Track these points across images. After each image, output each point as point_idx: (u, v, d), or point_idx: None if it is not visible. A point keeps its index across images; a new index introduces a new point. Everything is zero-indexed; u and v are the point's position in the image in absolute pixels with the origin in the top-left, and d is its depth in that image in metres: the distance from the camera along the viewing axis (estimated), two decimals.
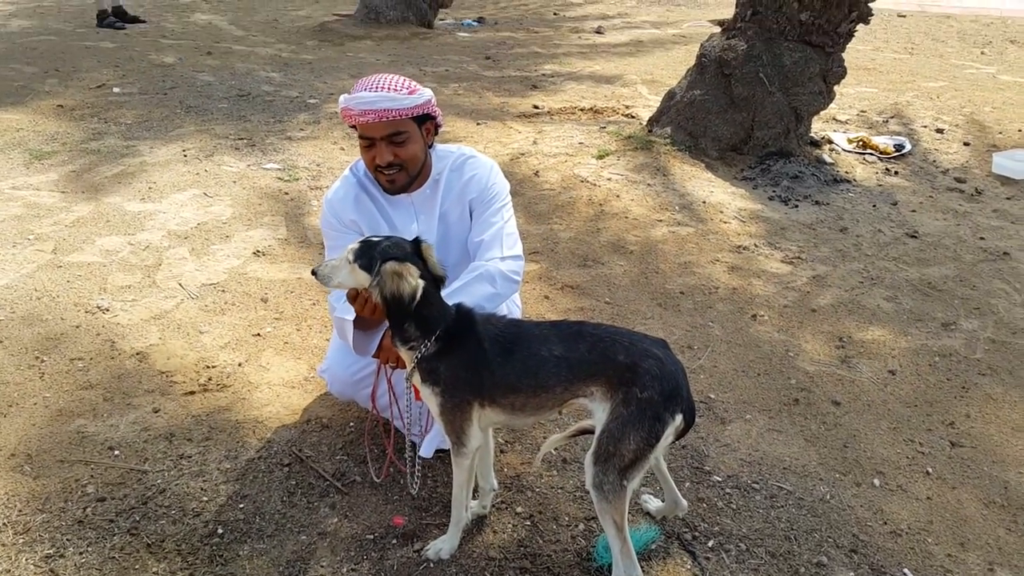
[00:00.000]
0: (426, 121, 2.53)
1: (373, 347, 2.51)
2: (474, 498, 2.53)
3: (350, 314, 2.42)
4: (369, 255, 2.12)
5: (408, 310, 2.10)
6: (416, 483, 2.59)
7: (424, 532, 2.48)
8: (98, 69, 7.58)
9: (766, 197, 5.32)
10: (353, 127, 2.47)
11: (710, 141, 5.88)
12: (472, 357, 2.17)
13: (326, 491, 2.64)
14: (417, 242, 2.20)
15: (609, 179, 5.35)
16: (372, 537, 2.45)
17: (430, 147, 2.62)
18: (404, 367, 2.39)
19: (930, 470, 2.91)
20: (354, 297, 2.25)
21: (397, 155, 2.47)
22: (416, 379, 2.24)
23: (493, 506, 2.58)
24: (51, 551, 2.31)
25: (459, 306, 2.24)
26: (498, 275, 2.49)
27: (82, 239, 4.27)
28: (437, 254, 2.64)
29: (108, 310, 3.63)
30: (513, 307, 2.77)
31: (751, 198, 5.28)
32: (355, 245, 2.16)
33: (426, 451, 2.70)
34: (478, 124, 6.53)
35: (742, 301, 4.02)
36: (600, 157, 5.69)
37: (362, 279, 2.13)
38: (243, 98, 6.90)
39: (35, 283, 3.80)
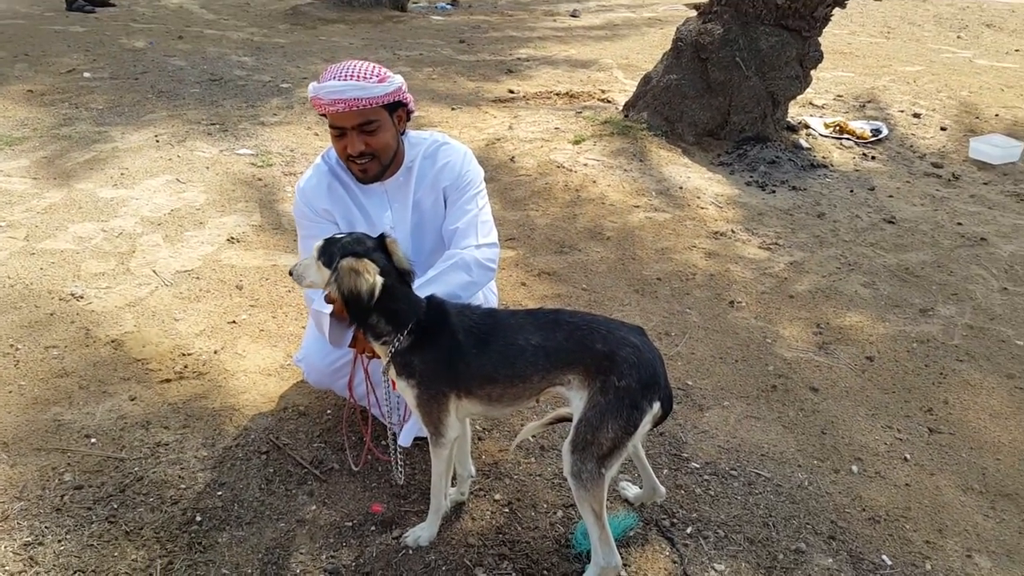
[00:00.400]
0: (398, 108, 2.49)
1: (347, 339, 2.49)
2: (452, 484, 2.53)
3: (328, 307, 2.41)
4: (330, 252, 2.12)
5: (366, 307, 2.08)
6: (401, 472, 2.59)
7: (403, 519, 2.48)
8: (68, 54, 7.43)
9: (743, 182, 5.34)
10: (324, 115, 2.44)
11: (687, 126, 5.89)
12: (446, 349, 2.16)
13: (304, 478, 2.63)
14: (382, 237, 2.18)
15: (585, 164, 5.34)
16: (351, 524, 2.45)
17: (402, 134, 2.59)
18: (379, 357, 2.38)
19: (908, 456, 2.94)
20: (330, 300, 2.25)
21: (369, 144, 2.44)
22: (392, 372, 2.23)
23: (471, 493, 2.59)
24: (30, 539, 2.30)
25: (431, 298, 2.23)
26: (473, 263, 2.47)
27: (55, 226, 4.20)
28: (412, 243, 2.64)
29: (82, 297, 3.57)
30: (489, 295, 2.76)
31: (728, 183, 5.29)
32: (319, 243, 2.15)
33: (404, 440, 2.69)
34: (453, 109, 6.49)
35: (719, 287, 4.04)
36: (576, 142, 5.68)
37: (326, 276, 2.11)
38: (215, 83, 6.80)
39: (8, 270, 3.74)
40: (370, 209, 2.61)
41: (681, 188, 5.13)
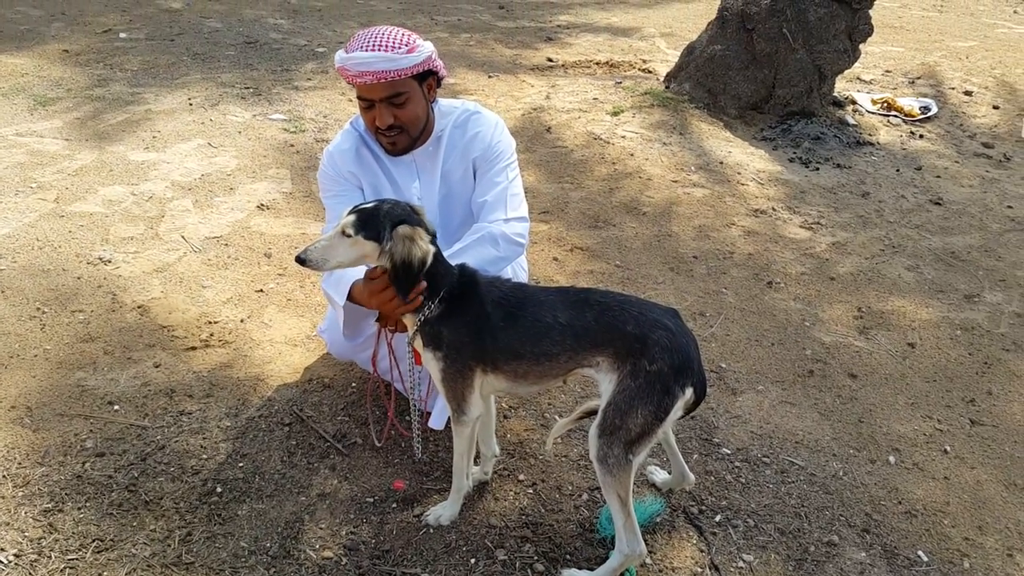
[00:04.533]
0: (428, 77, 2.39)
1: (366, 329, 2.43)
2: (476, 463, 2.48)
3: (341, 297, 2.33)
4: (374, 222, 2.00)
5: (416, 277, 2.02)
6: (420, 447, 2.54)
7: (424, 497, 2.44)
8: (104, 14, 7.42)
9: (786, 159, 5.17)
10: (351, 84, 2.35)
11: (730, 99, 5.71)
12: (475, 321, 2.09)
13: (326, 452, 2.59)
14: (408, 205, 2.11)
15: (624, 137, 5.20)
16: (372, 500, 2.42)
17: (433, 103, 2.49)
18: (404, 330, 2.32)
19: (948, 448, 2.83)
20: (372, 277, 2.16)
21: (397, 117, 2.35)
22: (418, 343, 2.17)
23: (495, 472, 2.53)
24: (50, 505, 2.29)
25: (462, 267, 2.15)
26: (501, 237, 2.39)
27: (85, 188, 4.19)
28: (440, 215, 2.57)
29: (110, 262, 3.56)
30: (519, 270, 2.67)
31: (771, 159, 5.13)
32: (351, 217, 2.03)
33: (437, 423, 2.62)
34: (490, 77, 6.37)
35: (758, 267, 3.92)
36: (615, 114, 5.54)
37: (368, 250, 2.02)
38: (250, 46, 6.75)
39: (37, 232, 3.73)
40: (398, 179, 2.54)
41: (722, 163, 4.97)
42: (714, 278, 3.80)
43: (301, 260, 2.02)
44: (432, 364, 2.16)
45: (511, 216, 2.45)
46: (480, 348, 2.10)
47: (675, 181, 4.72)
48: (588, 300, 2.11)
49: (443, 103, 2.55)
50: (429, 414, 2.61)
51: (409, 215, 2.04)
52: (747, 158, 5.09)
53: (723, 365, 3.17)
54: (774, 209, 4.50)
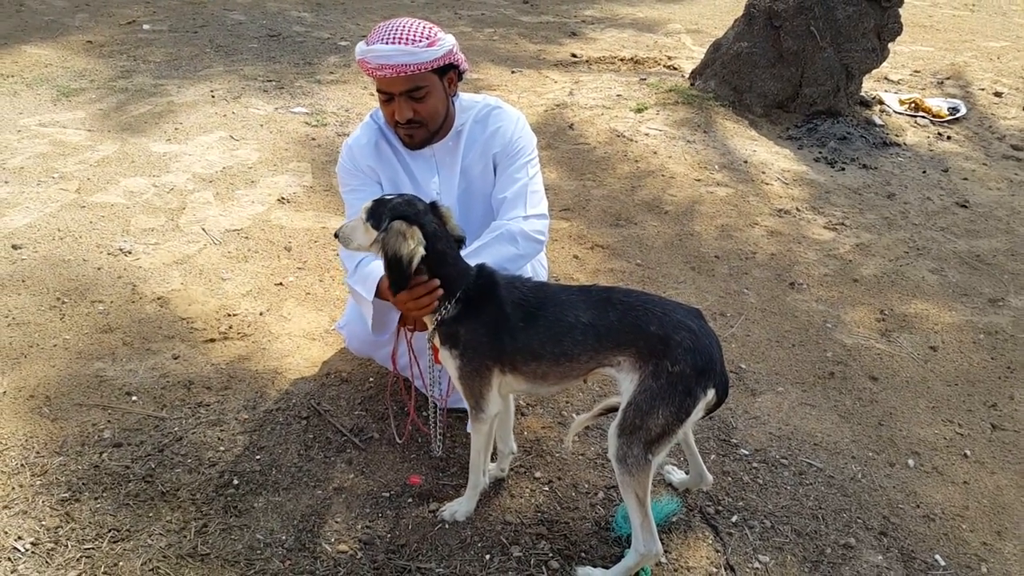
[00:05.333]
0: (448, 71, 2.37)
1: (392, 323, 2.42)
2: (493, 460, 2.47)
3: (369, 293, 2.33)
4: (379, 213, 2.04)
5: (406, 274, 2.01)
6: (440, 445, 2.54)
7: (440, 492, 2.43)
8: (128, 5, 7.48)
9: (811, 158, 5.10)
10: (371, 77, 2.33)
11: (755, 97, 5.65)
12: (493, 321, 2.08)
13: (343, 446, 2.59)
14: (434, 204, 2.11)
15: (647, 134, 5.16)
16: (388, 495, 2.41)
17: (453, 97, 2.47)
18: (423, 329, 2.31)
19: (968, 453, 2.78)
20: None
21: (417, 111, 2.33)
22: (436, 341, 2.16)
23: (511, 469, 2.52)
24: (67, 495, 2.30)
25: (481, 267, 2.14)
26: (520, 235, 2.37)
27: (106, 179, 4.22)
28: (459, 210, 2.54)
29: (130, 253, 3.59)
30: (539, 268, 2.65)
31: (796, 159, 5.07)
32: (369, 204, 2.07)
33: (456, 401, 2.61)
34: (513, 72, 6.34)
35: (781, 268, 3.87)
36: (639, 111, 5.50)
37: (374, 238, 2.05)
38: (273, 39, 6.77)
39: (58, 223, 3.77)
40: (417, 173, 2.52)
41: (746, 162, 4.92)
42: (736, 278, 3.75)
43: (336, 234, 2.15)
44: (449, 363, 2.15)
45: (531, 213, 2.43)
46: (498, 349, 2.09)
47: (698, 180, 4.67)
48: (611, 299, 2.08)
49: (464, 97, 2.53)
50: (450, 409, 2.61)
51: (416, 213, 2.03)
52: (772, 157, 5.04)
53: (743, 366, 3.13)
54: (798, 209, 4.45)
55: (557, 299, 2.11)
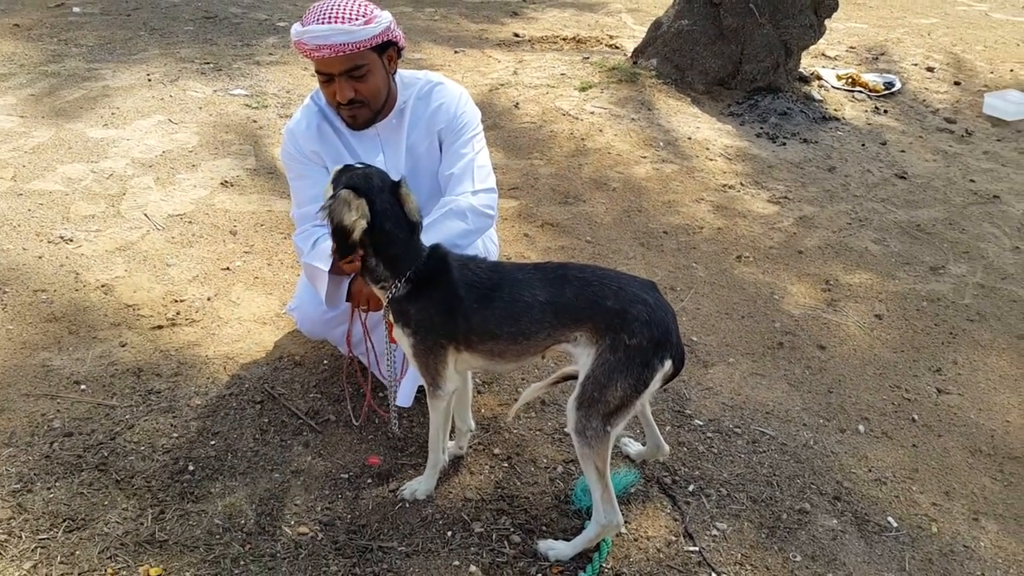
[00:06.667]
0: (388, 48, 2.34)
1: (342, 298, 2.41)
2: (451, 438, 2.48)
3: (325, 263, 2.30)
4: (338, 179, 2.06)
5: (350, 244, 2.01)
6: (396, 423, 2.53)
7: (400, 472, 2.43)
8: None
9: (753, 134, 5.20)
10: (309, 59, 2.29)
11: (697, 74, 5.72)
12: (445, 302, 2.09)
13: (299, 429, 2.57)
14: (398, 185, 2.10)
15: (592, 112, 5.19)
16: (347, 476, 2.41)
17: (393, 74, 2.44)
18: (376, 309, 2.30)
19: (916, 417, 2.89)
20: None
21: (358, 91, 2.30)
22: (390, 317, 2.16)
23: (470, 447, 2.53)
24: (18, 486, 2.26)
25: (434, 248, 2.14)
26: (469, 210, 2.37)
27: (43, 166, 4.06)
28: None
29: (71, 240, 3.47)
30: (490, 245, 2.65)
31: (738, 135, 5.15)
32: (338, 167, 2.11)
33: (404, 400, 2.61)
34: (456, 52, 6.29)
35: (727, 242, 3.95)
36: (583, 89, 5.52)
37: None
38: (209, 20, 6.58)
39: None
40: (362, 154, 2.48)
41: (689, 139, 4.99)
42: (684, 253, 3.82)
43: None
44: (403, 340, 2.16)
45: (479, 188, 2.43)
46: (452, 328, 2.10)
47: (644, 157, 4.72)
48: (566, 276, 2.11)
49: (405, 75, 2.51)
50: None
51: (370, 187, 2.04)
52: (715, 134, 5.12)
53: (694, 338, 3.19)
54: (742, 184, 4.54)
55: (513, 278, 2.12)
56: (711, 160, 4.77)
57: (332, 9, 2.19)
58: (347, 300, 2.43)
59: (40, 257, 3.34)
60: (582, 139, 4.86)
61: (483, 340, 2.11)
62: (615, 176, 4.48)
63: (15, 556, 2.05)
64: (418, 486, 2.34)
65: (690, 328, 3.25)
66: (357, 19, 2.19)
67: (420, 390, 2.65)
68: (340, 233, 2.00)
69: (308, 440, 2.53)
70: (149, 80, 5.20)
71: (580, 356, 2.06)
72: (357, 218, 1.99)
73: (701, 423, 2.74)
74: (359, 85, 2.29)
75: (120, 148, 4.31)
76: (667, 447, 2.48)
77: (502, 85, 5.56)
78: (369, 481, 2.40)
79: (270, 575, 2.07)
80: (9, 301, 3.06)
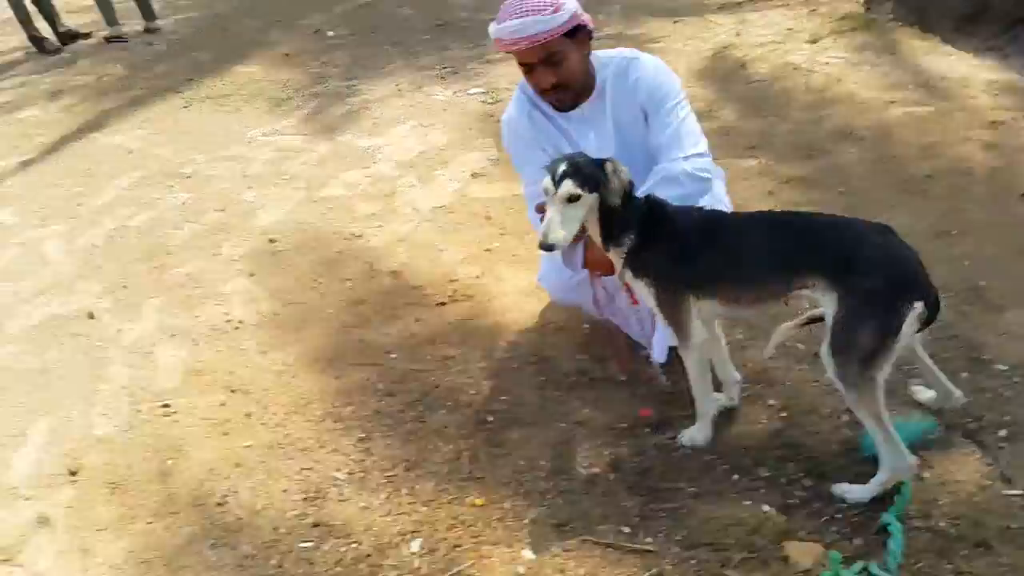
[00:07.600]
0: (578, 32, 2.47)
1: (579, 261, 2.55)
2: (719, 391, 2.53)
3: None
4: (580, 173, 2.11)
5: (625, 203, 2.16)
6: (663, 377, 2.65)
7: (673, 424, 2.53)
8: (309, 15, 8.00)
9: (1021, 66, 4.68)
10: (509, 53, 2.48)
11: (940, 14, 5.24)
12: (674, 245, 2.19)
13: (572, 386, 2.78)
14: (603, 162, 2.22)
15: (827, 63, 4.97)
16: (624, 426, 2.56)
17: (588, 55, 2.57)
18: (610, 273, 2.42)
19: None
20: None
21: (558, 76, 2.46)
22: (628, 276, 2.28)
23: (742, 398, 2.57)
24: (362, 435, 2.68)
25: (649, 197, 2.26)
26: (683, 175, 2.43)
27: (328, 175, 4.66)
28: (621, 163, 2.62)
29: (361, 236, 3.97)
30: (720, 207, 2.68)
31: (1002, 68, 4.67)
32: (567, 183, 2.08)
33: (659, 355, 2.71)
34: (675, 22, 6.27)
35: (1006, 180, 3.61)
36: (813, 42, 5.29)
37: (591, 201, 2.15)
38: (441, 27, 7.08)
39: (298, 217, 4.23)
40: (574, 134, 2.64)
41: (944, 78, 4.61)
42: (954, 196, 3.55)
43: (549, 247, 2.10)
44: (644, 293, 2.27)
45: (689, 152, 2.48)
46: (684, 272, 2.19)
47: (892, 101, 4.44)
48: (790, 223, 2.14)
49: (600, 54, 2.62)
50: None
51: (591, 161, 2.18)
52: (974, 70, 4.68)
53: (981, 283, 2.97)
54: (1015, 119, 4.12)
55: (731, 225, 2.21)
56: (973, 98, 4.38)
57: (522, 3, 2.37)
58: (584, 267, 2.57)
59: (340, 252, 3.86)
60: (820, 91, 4.67)
61: (713, 282, 2.19)
62: (862, 124, 4.27)
63: (373, 488, 2.47)
64: (696, 434, 2.43)
65: (973, 272, 3.03)
66: (546, 9, 2.35)
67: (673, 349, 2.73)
68: (622, 195, 2.16)
69: (583, 395, 2.72)
70: (398, 90, 5.75)
71: (823, 302, 2.06)
72: (627, 172, 2.17)
73: (1004, 367, 2.56)
74: (558, 70, 2.45)
75: (384, 153, 4.83)
76: (959, 393, 2.35)
77: (725, 48, 5.48)
78: (647, 431, 2.53)
79: (574, 508, 2.28)
80: (324, 290, 3.58)
